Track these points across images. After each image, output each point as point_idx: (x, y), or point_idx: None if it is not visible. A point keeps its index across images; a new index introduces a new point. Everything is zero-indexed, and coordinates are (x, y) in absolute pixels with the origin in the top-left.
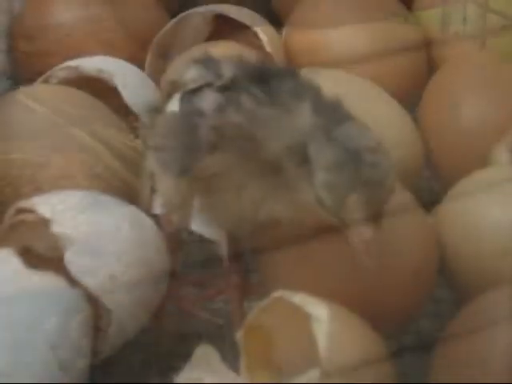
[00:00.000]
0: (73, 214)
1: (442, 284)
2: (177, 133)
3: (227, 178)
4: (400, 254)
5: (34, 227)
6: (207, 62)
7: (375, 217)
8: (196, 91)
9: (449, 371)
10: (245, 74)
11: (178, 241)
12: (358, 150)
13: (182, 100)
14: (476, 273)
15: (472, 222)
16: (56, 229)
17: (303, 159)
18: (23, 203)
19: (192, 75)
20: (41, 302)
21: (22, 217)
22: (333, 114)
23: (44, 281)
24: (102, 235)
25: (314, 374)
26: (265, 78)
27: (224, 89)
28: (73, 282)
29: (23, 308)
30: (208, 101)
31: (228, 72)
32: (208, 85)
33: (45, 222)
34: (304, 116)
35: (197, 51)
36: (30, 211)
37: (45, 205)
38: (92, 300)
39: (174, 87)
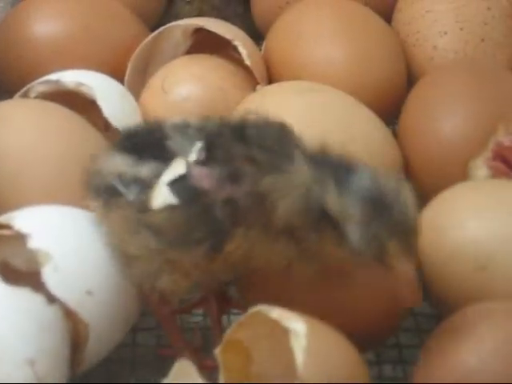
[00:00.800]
0: (50, 229)
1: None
2: (189, 222)
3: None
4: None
5: (11, 242)
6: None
7: (410, 252)
8: (182, 176)
9: None
10: (210, 133)
11: (175, 320)
12: (384, 197)
13: (174, 189)
14: (454, 288)
15: (450, 236)
16: (33, 244)
17: (318, 218)
18: (0, 218)
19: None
20: (18, 318)
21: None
22: (333, 164)
23: (21, 296)
24: (78, 251)
25: None
26: (240, 133)
27: (205, 159)
28: (50, 296)
29: (1, 322)
30: (204, 178)
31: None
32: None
33: (22, 237)
34: (302, 173)
35: (177, 64)
36: (7, 226)
37: (22, 220)
38: (69, 315)
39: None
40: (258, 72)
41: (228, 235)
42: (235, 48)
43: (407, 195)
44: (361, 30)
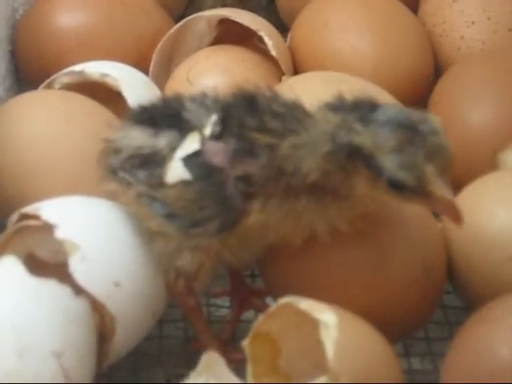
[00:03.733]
0: (77, 219)
1: (449, 291)
2: (201, 198)
3: (267, 220)
4: (411, 250)
5: (38, 233)
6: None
7: (447, 178)
8: (196, 152)
9: (458, 378)
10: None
11: (201, 311)
12: (412, 123)
13: (187, 165)
14: (484, 279)
15: (479, 227)
16: (60, 234)
17: (345, 160)
18: (27, 209)
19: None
20: (45, 310)
21: (25, 222)
22: (355, 106)
23: (48, 288)
24: (106, 242)
25: (321, 382)
26: (253, 104)
27: (220, 132)
28: (77, 288)
29: (28, 315)
30: (218, 154)
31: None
32: (201, 137)
33: (48, 228)
34: (322, 123)
35: (202, 55)
36: (34, 217)
37: (49, 210)
38: (96, 307)
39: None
40: (284, 63)
41: (241, 211)
42: (260, 39)
43: (435, 122)
44: (387, 21)
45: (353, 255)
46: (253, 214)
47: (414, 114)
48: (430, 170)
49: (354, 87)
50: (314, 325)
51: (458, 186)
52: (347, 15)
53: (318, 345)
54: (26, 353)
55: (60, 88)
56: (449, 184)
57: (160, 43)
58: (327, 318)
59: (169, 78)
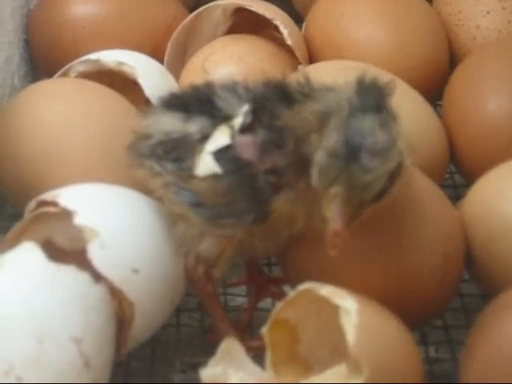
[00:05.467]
0: (96, 206)
1: (466, 279)
2: (232, 192)
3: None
4: (430, 237)
5: (56, 220)
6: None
7: (352, 216)
8: (226, 146)
9: (478, 366)
10: (256, 94)
11: (217, 297)
12: (358, 148)
13: (218, 159)
14: (501, 267)
15: (496, 216)
16: (79, 221)
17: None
18: (45, 196)
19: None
20: (64, 296)
21: (44, 209)
22: (370, 98)
23: (66, 275)
24: (124, 228)
25: (340, 369)
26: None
27: (251, 124)
28: (95, 274)
29: (47, 301)
30: (248, 149)
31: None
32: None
33: (67, 215)
34: (346, 89)
35: (217, 45)
36: (53, 203)
37: (67, 197)
38: (115, 293)
39: None
40: (300, 52)
41: (271, 204)
42: (276, 28)
43: (387, 166)
44: (402, 10)
45: (372, 242)
46: (280, 205)
47: (379, 142)
48: (334, 191)
49: None
50: (333, 311)
51: (476, 174)
52: (363, 5)
53: (337, 331)
54: (45, 339)
55: (76, 76)
56: (353, 218)
57: (175, 32)
58: (348, 303)
59: (183, 67)
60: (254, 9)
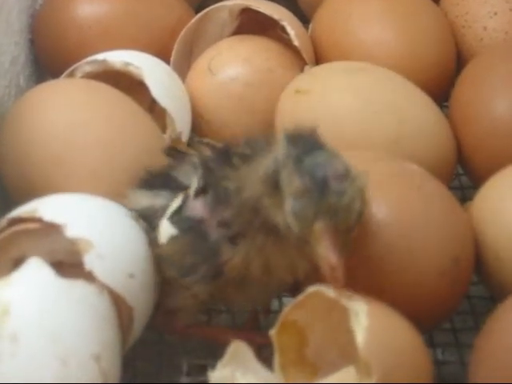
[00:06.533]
0: (81, 217)
1: (474, 281)
2: (189, 249)
3: (257, 260)
4: (440, 240)
5: (29, 236)
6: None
7: (343, 242)
8: (178, 209)
9: (488, 368)
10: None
11: (201, 324)
12: (324, 177)
13: (173, 221)
14: (510, 269)
15: (505, 218)
16: (72, 233)
17: (277, 188)
18: (19, 212)
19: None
20: (79, 312)
21: (20, 227)
22: (305, 143)
23: (78, 289)
24: (113, 235)
25: (349, 371)
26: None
27: (202, 189)
28: (99, 285)
29: (64, 319)
30: (198, 208)
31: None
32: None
33: (49, 229)
34: (279, 147)
35: (224, 45)
36: (30, 220)
37: (49, 211)
38: (116, 300)
39: None
40: (306, 53)
41: (226, 256)
42: (282, 28)
43: (354, 186)
44: (410, 11)
45: (381, 245)
46: (237, 256)
47: (337, 169)
48: (319, 226)
49: (376, 77)
50: (342, 313)
51: (484, 176)
52: (370, 6)
53: (346, 334)
54: (68, 359)
55: (82, 77)
56: (344, 246)
57: (181, 33)
58: (357, 306)
59: (190, 68)
60: (260, 9)
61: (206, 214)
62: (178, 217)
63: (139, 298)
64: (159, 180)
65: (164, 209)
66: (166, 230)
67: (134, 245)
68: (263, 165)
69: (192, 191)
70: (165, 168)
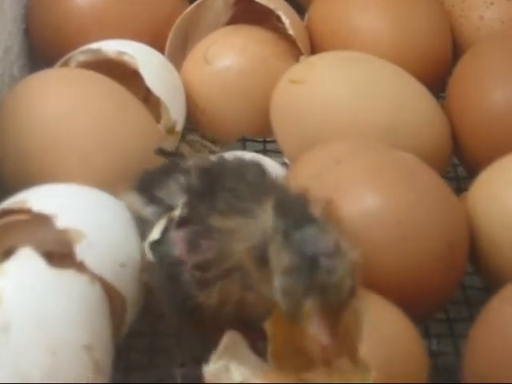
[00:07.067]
0: (70, 207)
1: (469, 272)
2: (160, 285)
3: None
4: (435, 227)
5: (18, 228)
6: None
7: (333, 319)
8: (161, 239)
9: (481, 358)
10: (196, 186)
11: None
12: (314, 254)
13: (152, 250)
14: (505, 260)
15: (500, 207)
16: (62, 223)
17: (264, 261)
18: (8, 204)
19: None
20: (71, 303)
21: (9, 218)
22: (294, 215)
23: (69, 279)
24: (103, 225)
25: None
26: (221, 184)
27: (184, 219)
28: (90, 275)
29: (55, 310)
30: (177, 244)
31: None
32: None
33: (38, 220)
34: (266, 217)
35: (219, 35)
36: (19, 211)
37: (38, 202)
38: (108, 290)
39: None
40: (302, 42)
41: (197, 298)
42: (278, 18)
43: (345, 263)
44: (406, 0)
45: (374, 233)
46: (212, 298)
47: (326, 245)
48: (309, 305)
49: (371, 67)
50: None
51: (480, 165)
52: None
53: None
54: (58, 350)
55: (76, 66)
56: (333, 325)
57: (176, 22)
58: None
59: (185, 58)
60: None
61: (184, 252)
62: (158, 247)
63: (131, 288)
64: (154, 188)
65: (150, 223)
66: (147, 253)
67: (125, 234)
68: (249, 233)
69: (175, 217)
70: (160, 170)
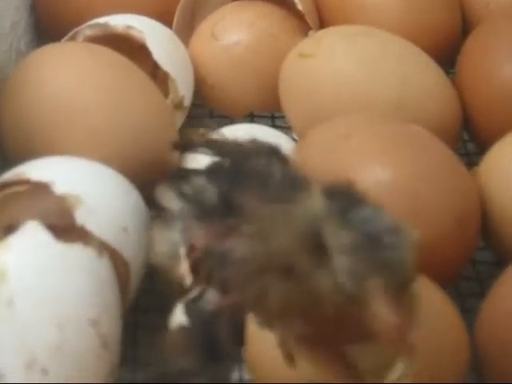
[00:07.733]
0: (69, 175)
1: (480, 247)
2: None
3: None
4: (443, 201)
5: (20, 201)
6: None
7: (400, 298)
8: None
9: (492, 333)
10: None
11: None
12: (376, 232)
13: (188, 312)
14: None
15: (510, 183)
16: (60, 190)
17: (317, 246)
18: (7, 177)
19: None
20: (78, 276)
21: (9, 190)
22: (344, 197)
23: (77, 252)
24: (103, 190)
25: None
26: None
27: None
28: (96, 245)
29: (62, 284)
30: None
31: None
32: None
33: (39, 190)
34: (312, 203)
35: (227, 10)
36: (18, 183)
37: (37, 172)
38: (112, 255)
39: None
40: (311, 17)
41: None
42: None
43: (407, 240)
44: None
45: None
46: None
47: (387, 223)
48: (374, 283)
49: (380, 41)
50: None
51: (490, 140)
52: None
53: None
54: (65, 325)
55: (83, 41)
56: (404, 303)
57: None
58: None
59: (192, 34)
60: None
61: (220, 309)
62: (194, 306)
63: (134, 253)
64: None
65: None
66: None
67: (125, 200)
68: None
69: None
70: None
